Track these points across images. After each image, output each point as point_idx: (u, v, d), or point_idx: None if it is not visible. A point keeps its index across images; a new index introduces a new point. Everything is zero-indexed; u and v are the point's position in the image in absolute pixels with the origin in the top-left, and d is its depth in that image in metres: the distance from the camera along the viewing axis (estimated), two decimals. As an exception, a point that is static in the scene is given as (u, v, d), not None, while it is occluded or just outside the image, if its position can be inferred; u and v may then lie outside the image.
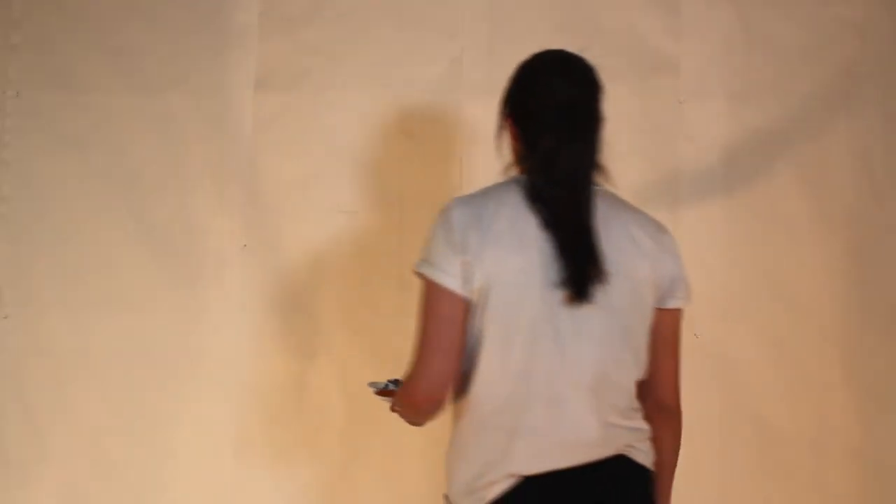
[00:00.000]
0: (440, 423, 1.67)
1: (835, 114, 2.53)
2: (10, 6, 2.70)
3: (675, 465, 1.70)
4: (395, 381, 1.72)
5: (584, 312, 1.51)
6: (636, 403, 1.62)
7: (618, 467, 1.54)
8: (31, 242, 2.64)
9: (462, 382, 1.56)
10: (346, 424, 2.54)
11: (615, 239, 1.56)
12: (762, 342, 2.51)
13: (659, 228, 1.65)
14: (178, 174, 2.62)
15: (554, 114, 1.56)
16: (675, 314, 1.66)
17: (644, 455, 1.60)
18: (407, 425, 1.70)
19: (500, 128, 1.66)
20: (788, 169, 2.53)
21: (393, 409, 1.69)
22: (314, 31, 2.64)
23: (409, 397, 1.59)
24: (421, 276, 1.56)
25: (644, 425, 1.62)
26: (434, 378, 1.53)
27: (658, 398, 1.67)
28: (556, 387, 1.50)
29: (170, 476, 2.57)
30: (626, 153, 2.54)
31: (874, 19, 2.54)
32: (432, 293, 1.54)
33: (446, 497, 1.61)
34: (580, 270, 1.49)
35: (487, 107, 2.35)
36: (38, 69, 2.68)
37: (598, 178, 1.62)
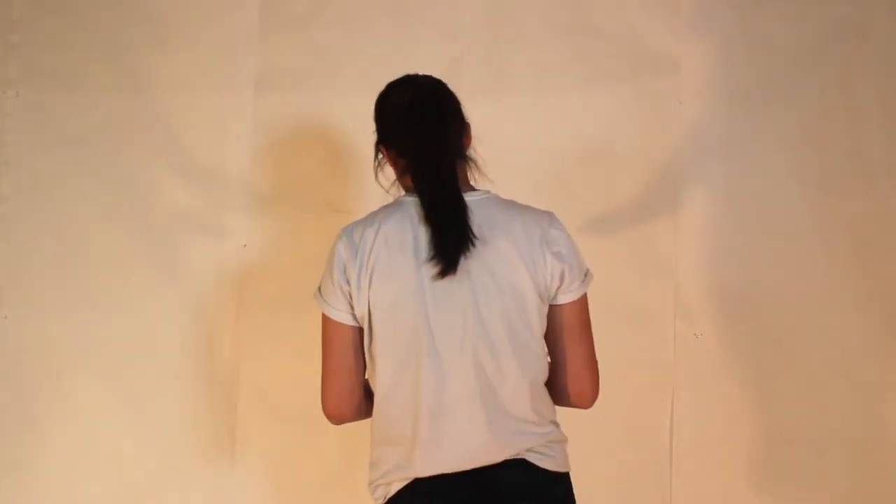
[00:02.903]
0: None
1: (835, 114, 2.53)
2: (10, 6, 2.70)
3: None
4: None
5: (465, 327, 1.56)
6: (543, 408, 1.64)
7: (510, 472, 1.58)
8: (31, 242, 2.64)
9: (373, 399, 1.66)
10: (346, 424, 2.54)
11: (498, 244, 1.59)
12: (762, 342, 2.51)
13: (550, 223, 1.64)
14: (178, 174, 2.63)
15: (404, 115, 1.67)
16: (575, 305, 1.65)
17: (550, 460, 1.61)
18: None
19: (379, 162, 1.74)
20: (788, 169, 2.53)
21: None
22: (314, 31, 2.64)
23: (324, 413, 1.69)
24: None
25: (550, 428, 1.64)
26: (333, 399, 1.66)
27: (568, 388, 1.67)
28: (442, 401, 1.57)
29: (169, 476, 2.57)
30: (626, 153, 2.55)
31: (874, 19, 2.54)
32: (324, 323, 1.65)
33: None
34: (447, 240, 1.56)
35: (487, 107, 2.38)
36: (38, 69, 2.68)
37: (472, 176, 1.69)
